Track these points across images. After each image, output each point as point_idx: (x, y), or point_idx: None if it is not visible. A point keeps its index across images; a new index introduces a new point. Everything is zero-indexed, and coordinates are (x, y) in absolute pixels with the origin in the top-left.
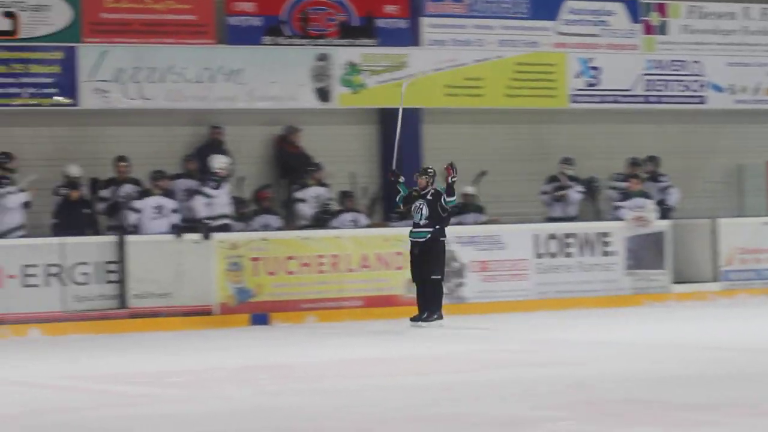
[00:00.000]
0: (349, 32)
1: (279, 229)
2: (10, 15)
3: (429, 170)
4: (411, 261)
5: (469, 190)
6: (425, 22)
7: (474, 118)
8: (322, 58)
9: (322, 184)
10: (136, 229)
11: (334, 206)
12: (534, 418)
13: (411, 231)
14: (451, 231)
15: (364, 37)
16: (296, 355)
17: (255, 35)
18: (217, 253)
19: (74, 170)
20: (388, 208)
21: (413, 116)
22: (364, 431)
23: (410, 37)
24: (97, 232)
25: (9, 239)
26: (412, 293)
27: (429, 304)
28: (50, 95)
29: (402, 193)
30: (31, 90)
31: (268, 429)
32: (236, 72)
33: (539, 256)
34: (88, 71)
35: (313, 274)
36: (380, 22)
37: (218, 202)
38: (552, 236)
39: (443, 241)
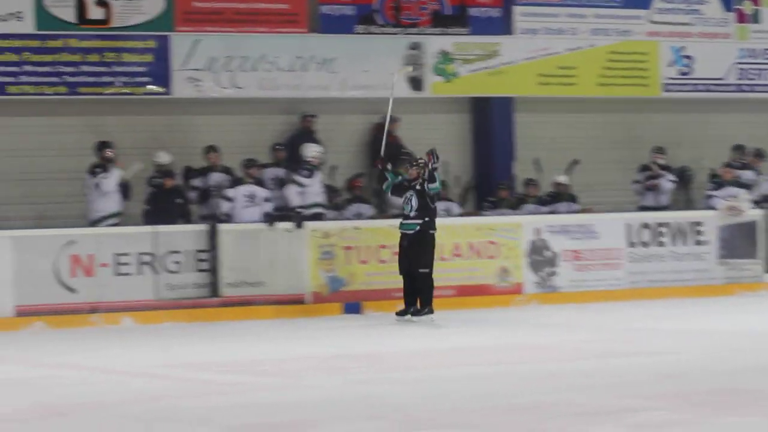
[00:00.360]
0: (441, 21)
1: (371, 217)
2: (103, 4)
3: (420, 161)
4: (399, 253)
5: (562, 179)
6: (518, 10)
7: (566, 107)
8: (415, 46)
9: None
10: (228, 218)
11: None
12: (623, 407)
13: (401, 223)
14: (544, 220)
15: (456, 25)
16: (388, 344)
17: (348, 24)
18: (309, 242)
19: (164, 158)
20: (480, 196)
21: (506, 105)
22: (454, 420)
23: (502, 26)
24: (188, 221)
25: (102, 228)
26: (506, 282)
27: (418, 298)
28: (143, 84)
29: (390, 180)
30: (124, 79)
31: (359, 418)
32: (329, 61)
33: (632, 245)
34: (181, 60)
35: None
36: (473, 11)
37: (311, 190)
38: (645, 225)
39: (433, 233)
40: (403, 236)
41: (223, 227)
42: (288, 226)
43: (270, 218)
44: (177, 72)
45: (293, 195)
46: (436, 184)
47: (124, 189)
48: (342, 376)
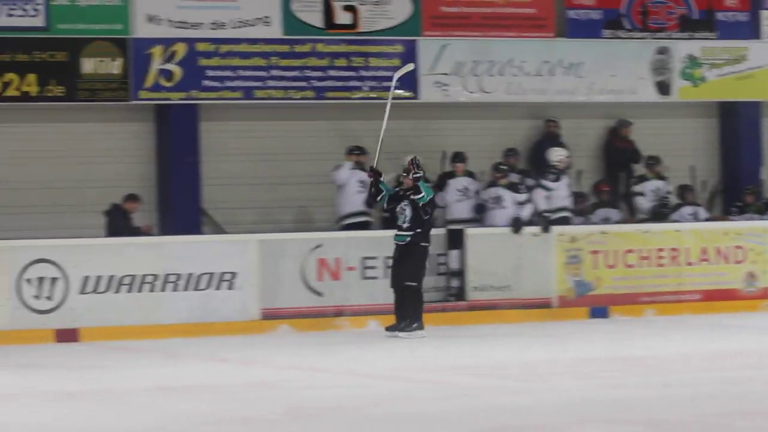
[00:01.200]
0: (689, 25)
1: (618, 222)
2: (350, 9)
3: (409, 165)
4: (392, 266)
5: None
6: (765, 15)
7: None
8: (662, 51)
9: (660, 178)
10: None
11: (673, 200)
12: None
13: (395, 234)
14: None
15: (704, 30)
16: (636, 348)
17: (594, 28)
18: (556, 246)
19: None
20: (727, 201)
21: (754, 110)
22: (701, 425)
23: (750, 30)
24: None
25: (349, 232)
26: (752, 287)
27: (406, 313)
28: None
29: (384, 192)
30: (372, 84)
31: (604, 421)
32: (575, 65)
33: None
34: (429, 65)
35: (652, 267)
36: (720, 15)
37: (557, 194)
38: None
39: (425, 246)
40: (396, 248)
41: (470, 231)
42: (535, 231)
43: (517, 223)
44: (424, 77)
45: (541, 199)
46: (422, 195)
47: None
48: (588, 380)
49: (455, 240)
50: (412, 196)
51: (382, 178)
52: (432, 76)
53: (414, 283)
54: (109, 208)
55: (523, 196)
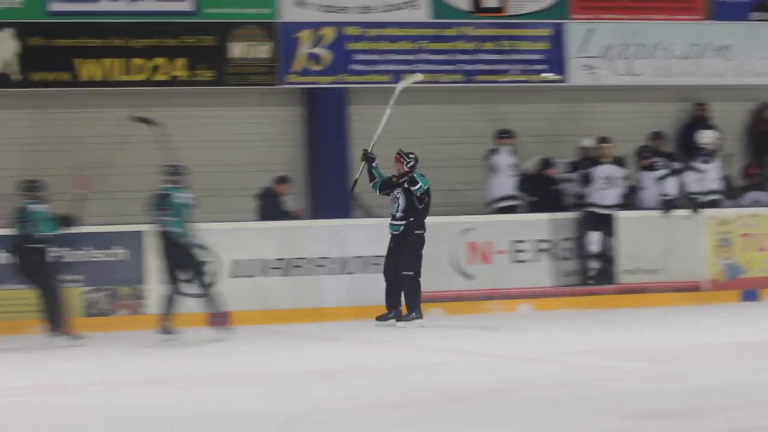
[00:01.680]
0: None
1: None
2: None
3: (410, 155)
4: (386, 255)
5: None
6: None
7: None
8: None
9: None
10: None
11: None
12: None
13: (389, 223)
14: None
15: None
16: None
17: (743, 10)
18: (706, 229)
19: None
20: None
21: None
22: None
23: None
24: (564, 209)
25: (499, 215)
26: None
27: (396, 302)
28: (539, 72)
29: (378, 178)
30: (520, 67)
31: (756, 405)
32: (724, 48)
33: None
34: (577, 48)
35: None
36: None
37: (708, 177)
38: None
39: (420, 234)
40: (391, 237)
41: (620, 215)
42: (685, 213)
43: (667, 205)
44: (573, 60)
45: (691, 181)
46: (419, 186)
47: (521, 175)
48: (740, 363)
49: (596, 224)
50: (407, 186)
51: (375, 164)
52: (580, 59)
53: (410, 273)
54: (261, 192)
55: (661, 172)
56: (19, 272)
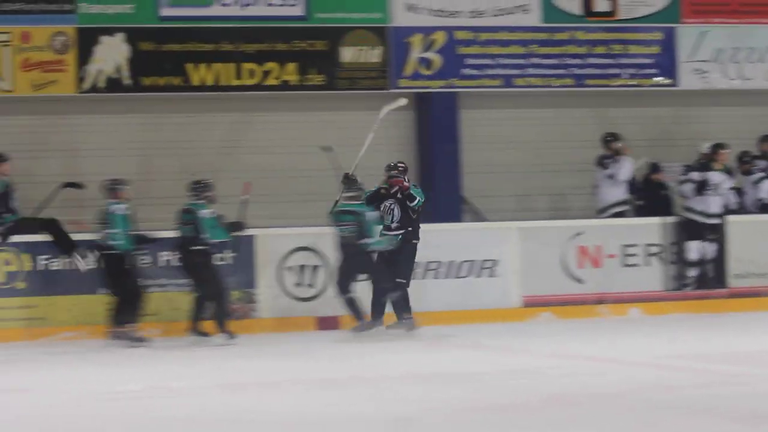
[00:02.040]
0: None
1: None
2: None
3: (399, 165)
4: (377, 263)
5: None
6: None
7: None
8: None
9: None
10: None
11: None
12: None
13: (383, 234)
14: None
15: None
16: None
17: None
18: None
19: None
20: None
21: None
22: None
23: None
24: (670, 215)
25: (609, 219)
26: None
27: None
28: (650, 76)
29: (363, 193)
30: (631, 71)
31: None
32: None
33: None
34: (688, 52)
35: None
36: None
37: None
38: None
39: (415, 243)
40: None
41: (731, 219)
42: None
43: (763, 209)
44: (684, 64)
45: None
46: (417, 201)
47: (632, 180)
48: None
49: (697, 232)
50: (403, 199)
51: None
52: (691, 63)
53: (404, 281)
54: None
55: (756, 176)
56: (184, 273)
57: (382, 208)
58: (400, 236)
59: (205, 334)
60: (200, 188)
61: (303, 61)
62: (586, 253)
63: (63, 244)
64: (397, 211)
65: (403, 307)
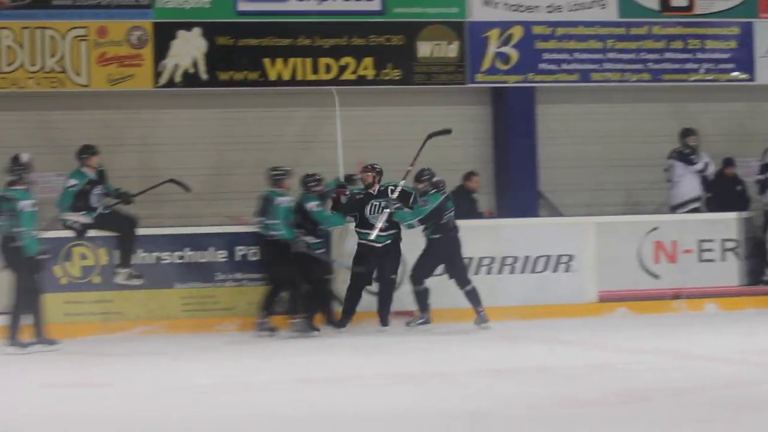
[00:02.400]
0: None
1: None
2: None
3: (376, 166)
4: (362, 265)
5: None
6: None
7: None
8: None
9: None
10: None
11: None
12: None
13: (376, 236)
14: None
15: None
16: None
17: None
18: None
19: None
20: None
21: None
22: None
23: None
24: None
25: (685, 214)
26: None
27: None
28: (727, 71)
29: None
30: (708, 66)
31: None
32: None
33: None
34: (765, 46)
35: None
36: None
37: None
38: None
39: (399, 241)
40: (372, 249)
41: None
42: None
43: None
44: (761, 59)
45: None
46: (409, 223)
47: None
48: None
49: None
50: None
51: (347, 192)
52: None
53: (395, 277)
54: (455, 189)
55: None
56: (261, 265)
57: (370, 208)
58: (390, 240)
59: (273, 329)
60: (279, 176)
61: (380, 56)
62: (662, 248)
63: (124, 255)
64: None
65: (389, 305)
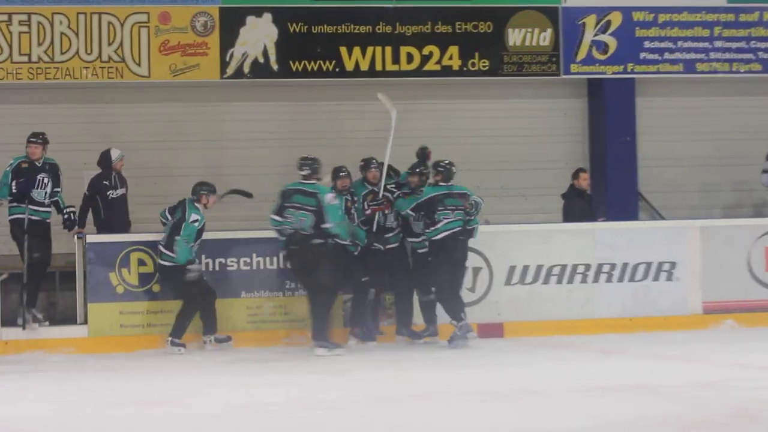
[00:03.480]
0: None
1: None
2: None
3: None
4: (378, 268)
5: None
6: None
7: None
8: None
9: None
10: None
11: None
12: None
13: (385, 237)
14: None
15: None
16: None
17: None
18: None
19: None
20: None
21: None
22: None
23: None
24: None
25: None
26: None
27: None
28: None
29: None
30: None
31: None
32: None
33: None
34: None
35: None
36: None
37: None
38: None
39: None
40: (385, 251)
41: None
42: None
43: None
44: None
45: None
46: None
47: None
48: None
49: None
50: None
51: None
52: None
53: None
54: (566, 191)
55: None
56: (293, 267)
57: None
58: (397, 238)
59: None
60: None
61: (466, 45)
62: None
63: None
64: (392, 214)
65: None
